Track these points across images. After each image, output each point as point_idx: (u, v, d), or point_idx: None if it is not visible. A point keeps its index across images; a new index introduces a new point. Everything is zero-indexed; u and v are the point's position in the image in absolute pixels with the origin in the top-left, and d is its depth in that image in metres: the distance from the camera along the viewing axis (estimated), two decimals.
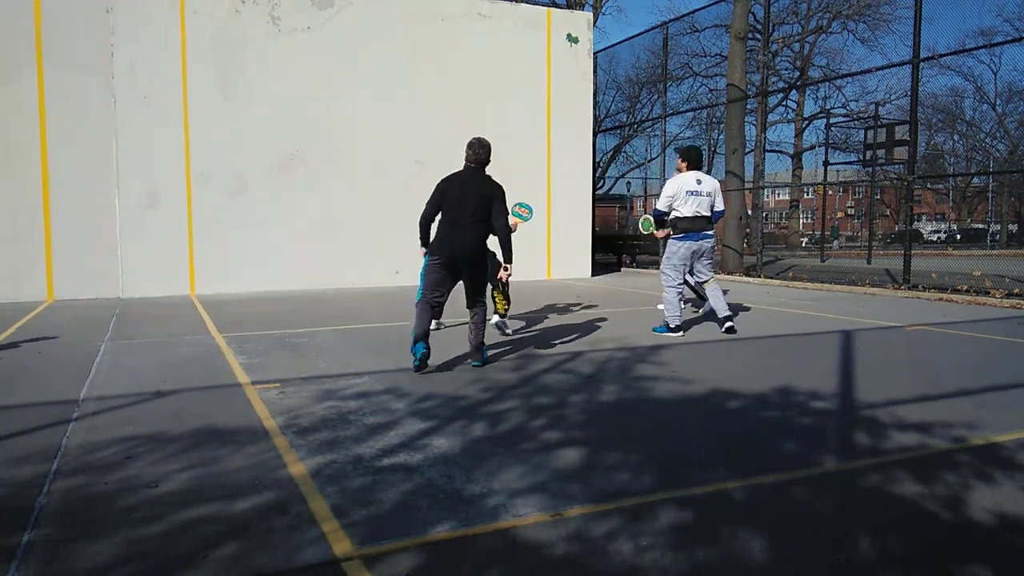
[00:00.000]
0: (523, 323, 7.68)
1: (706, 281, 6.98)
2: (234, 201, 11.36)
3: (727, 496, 2.82)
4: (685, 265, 6.77)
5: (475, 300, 5.36)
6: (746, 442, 3.54)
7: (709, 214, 6.72)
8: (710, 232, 6.81)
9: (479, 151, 5.25)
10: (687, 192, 6.61)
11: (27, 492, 2.85)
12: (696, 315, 8.17)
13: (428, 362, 5.15)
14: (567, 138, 13.93)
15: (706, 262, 6.90)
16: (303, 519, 2.59)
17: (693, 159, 6.84)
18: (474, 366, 5.37)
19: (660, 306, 8.22)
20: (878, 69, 14.37)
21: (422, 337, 5.10)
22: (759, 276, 13.49)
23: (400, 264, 12.52)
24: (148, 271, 10.84)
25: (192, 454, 3.31)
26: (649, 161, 21.16)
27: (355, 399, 4.36)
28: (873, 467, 3.14)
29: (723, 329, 6.82)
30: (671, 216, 6.77)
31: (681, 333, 6.73)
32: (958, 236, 37.51)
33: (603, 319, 8.03)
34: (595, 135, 16.83)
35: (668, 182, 6.86)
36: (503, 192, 5.26)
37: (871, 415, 3.98)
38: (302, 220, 11.76)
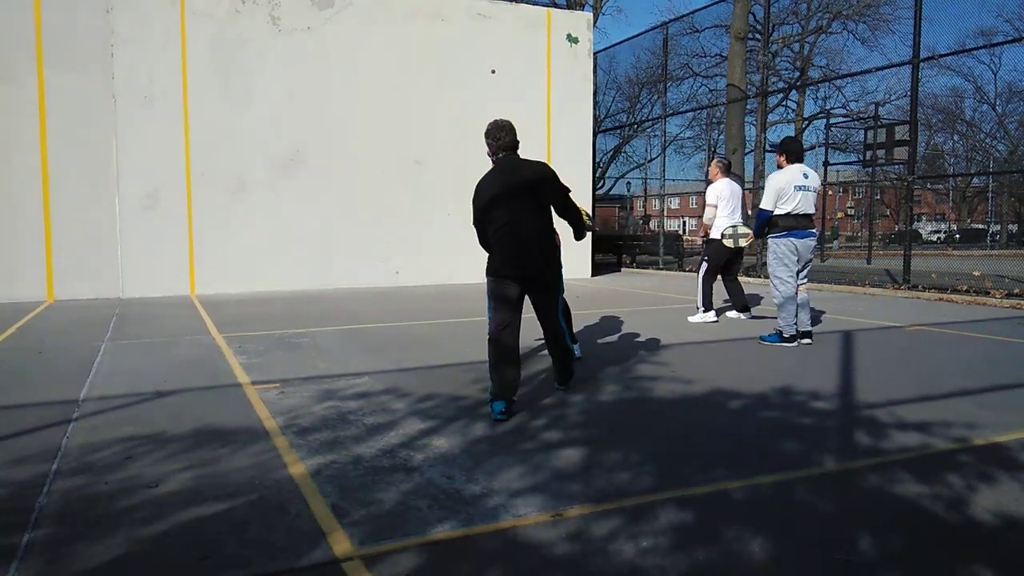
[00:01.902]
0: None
1: (799, 286, 6.31)
2: (234, 201, 11.36)
3: (727, 496, 2.82)
4: (795, 264, 6.13)
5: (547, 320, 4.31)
6: (746, 442, 3.54)
7: (813, 212, 6.20)
8: (815, 231, 6.25)
9: (501, 135, 4.15)
10: (796, 187, 6.01)
11: (27, 492, 2.85)
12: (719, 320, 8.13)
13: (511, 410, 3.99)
14: (567, 138, 13.93)
15: (806, 265, 6.30)
16: (303, 519, 2.59)
17: (795, 151, 6.24)
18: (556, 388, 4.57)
19: (691, 318, 7.85)
20: (878, 69, 14.36)
21: (502, 396, 3.94)
22: (759, 276, 13.48)
23: (400, 264, 12.53)
24: (148, 271, 10.84)
25: (192, 454, 3.31)
26: (649, 161, 21.17)
27: (355, 399, 4.36)
28: (873, 467, 3.14)
29: (801, 339, 6.28)
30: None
31: (796, 344, 6.16)
32: (957, 236, 37.52)
33: (604, 319, 8.03)
34: (595, 135, 16.83)
35: (771, 177, 6.18)
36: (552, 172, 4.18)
37: (871, 415, 3.97)
38: (302, 220, 11.75)
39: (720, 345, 6.38)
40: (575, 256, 14.31)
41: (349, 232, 12.12)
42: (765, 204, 6.14)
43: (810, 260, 6.31)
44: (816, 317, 7.95)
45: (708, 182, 8.16)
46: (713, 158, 8.01)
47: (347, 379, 4.94)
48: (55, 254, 10.40)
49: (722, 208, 7.77)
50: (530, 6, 13.79)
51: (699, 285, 7.92)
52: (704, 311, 7.83)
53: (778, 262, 6.20)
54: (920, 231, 39.40)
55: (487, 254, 4.17)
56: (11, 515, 2.63)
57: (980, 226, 40.38)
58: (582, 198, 14.39)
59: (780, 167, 6.26)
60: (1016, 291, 9.99)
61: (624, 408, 4.21)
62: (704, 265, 7.94)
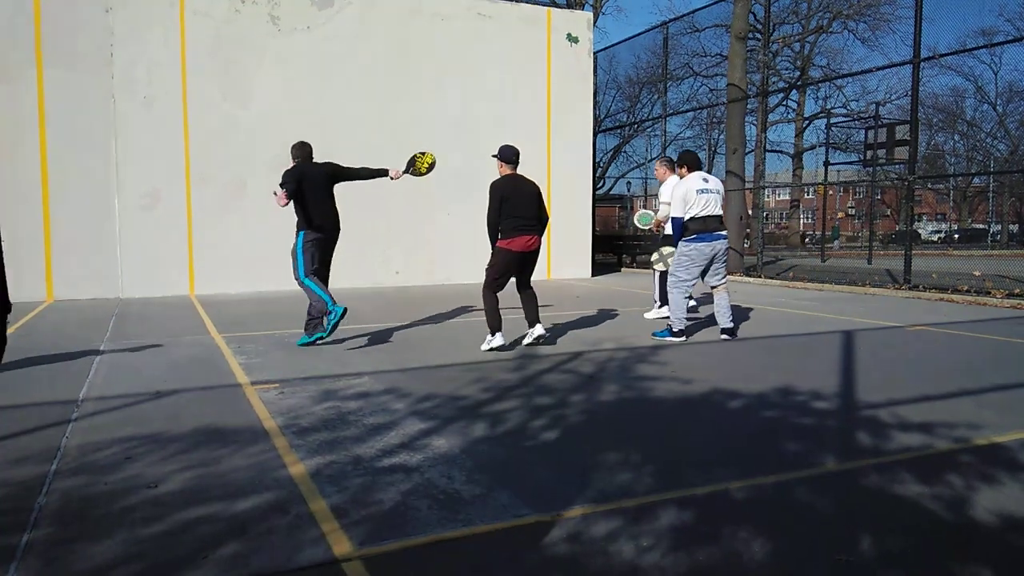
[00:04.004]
0: (523, 323, 7.65)
1: (716, 287, 6.67)
2: (234, 201, 11.36)
3: (728, 496, 2.81)
4: (699, 268, 6.47)
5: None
6: (747, 442, 3.53)
7: (721, 213, 6.51)
8: (724, 232, 6.50)
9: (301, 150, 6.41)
10: (697, 191, 6.39)
11: (27, 492, 2.85)
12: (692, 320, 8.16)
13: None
14: (567, 138, 13.92)
15: (719, 266, 6.56)
16: (303, 519, 2.58)
17: (692, 161, 6.69)
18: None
19: (648, 314, 8.14)
20: (879, 69, 14.38)
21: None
22: (759, 276, 13.48)
23: (400, 264, 12.53)
24: (148, 271, 10.84)
25: (192, 454, 3.31)
26: (649, 161, 21.15)
27: (355, 399, 4.36)
28: (874, 467, 3.14)
29: (721, 334, 6.66)
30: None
31: (684, 339, 6.48)
32: (956, 236, 37.42)
33: (603, 319, 8.03)
34: (595, 135, 16.82)
35: (675, 187, 6.59)
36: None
37: (872, 415, 3.97)
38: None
39: (720, 345, 6.38)
40: (575, 256, 14.32)
41: (348, 232, 12.00)
42: (674, 212, 6.51)
43: (724, 262, 6.60)
44: (817, 317, 7.94)
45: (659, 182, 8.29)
46: (660, 158, 8.20)
47: (347, 379, 4.94)
48: (55, 254, 10.40)
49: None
50: (530, 5, 13.78)
51: (656, 282, 8.13)
52: (660, 307, 8.06)
53: (683, 267, 6.51)
54: (919, 231, 39.29)
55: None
56: (11, 515, 2.63)
57: (980, 226, 40.30)
58: (582, 198, 14.44)
59: (681, 178, 6.68)
60: (1017, 291, 9.98)
61: (624, 408, 4.21)
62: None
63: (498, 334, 6.00)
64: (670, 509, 2.66)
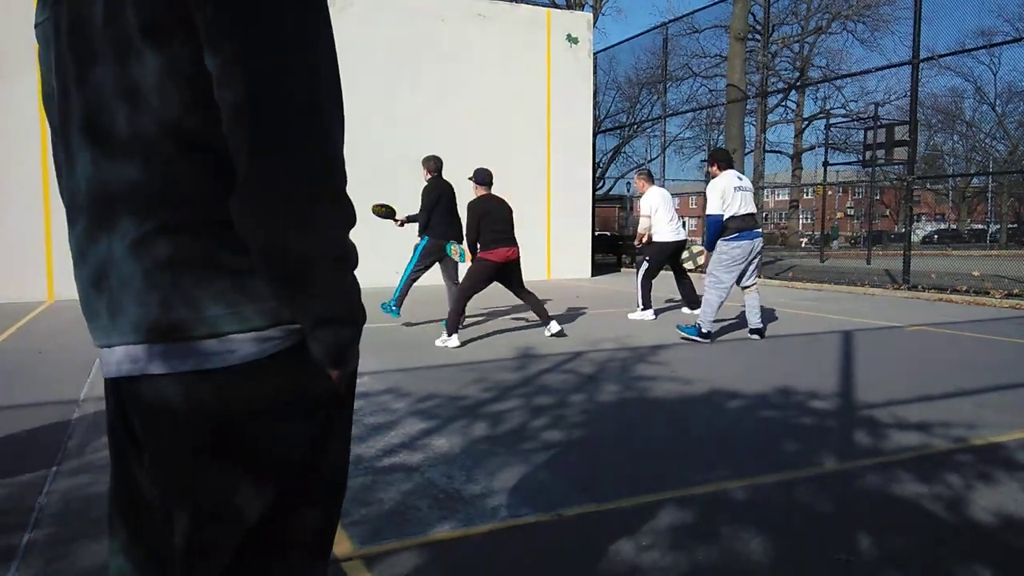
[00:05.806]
0: (524, 323, 7.67)
1: (748, 287, 6.56)
2: None
3: (727, 496, 2.82)
4: (740, 268, 6.30)
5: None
6: (746, 442, 3.54)
7: (755, 210, 6.41)
8: (760, 230, 6.39)
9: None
10: (735, 188, 6.22)
11: (27, 492, 2.85)
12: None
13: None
14: (567, 138, 13.93)
15: (754, 267, 6.46)
16: None
17: (725, 159, 6.51)
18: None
19: (631, 315, 8.07)
20: (878, 70, 14.38)
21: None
22: (759, 276, 13.48)
23: (400, 265, 12.51)
24: None
25: None
26: (649, 161, 21.16)
27: (355, 399, 4.35)
28: (873, 467, 3.14)
29: (751, 334, 6.61)
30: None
31: (710, 341, 6.37)
32: (935, 237, 37.22)
33: (603, 319, 8.03)
34: (595, 135, 16.83)
35: (712, 184, 6.35)
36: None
37: (871, 415, 3.98)
38: None
39: (720, 345, 6.38)
40: (575, 256, 14.32)
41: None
42: (713, 210, 6.29)
43: (758, 260, 6.51)
44: (817, 317, 7.95)
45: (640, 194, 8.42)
46: (639, 171, 8.38)
47: None
48: (55, 254, 10.39)
49: (662, 216, 7.94)
50: (530, 6, 13.80)
51: (639, 285, 8.08)
52: (643, 309, 8.00)
53: (724, 266, 6.32)
54: (904, 232, 38.94)
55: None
56: (11, 515, 2.63)
57: (980, 226, 40.26)
58: (582, 198, 14.43)
59: (714, 176, 6.48)
60: (1016, 291, 9.99)
61: (624, 408, 4.21)
62: (645, 265, 8.09)
63: (454, 335, 6.30)
64: (670, 509, 2.67)
